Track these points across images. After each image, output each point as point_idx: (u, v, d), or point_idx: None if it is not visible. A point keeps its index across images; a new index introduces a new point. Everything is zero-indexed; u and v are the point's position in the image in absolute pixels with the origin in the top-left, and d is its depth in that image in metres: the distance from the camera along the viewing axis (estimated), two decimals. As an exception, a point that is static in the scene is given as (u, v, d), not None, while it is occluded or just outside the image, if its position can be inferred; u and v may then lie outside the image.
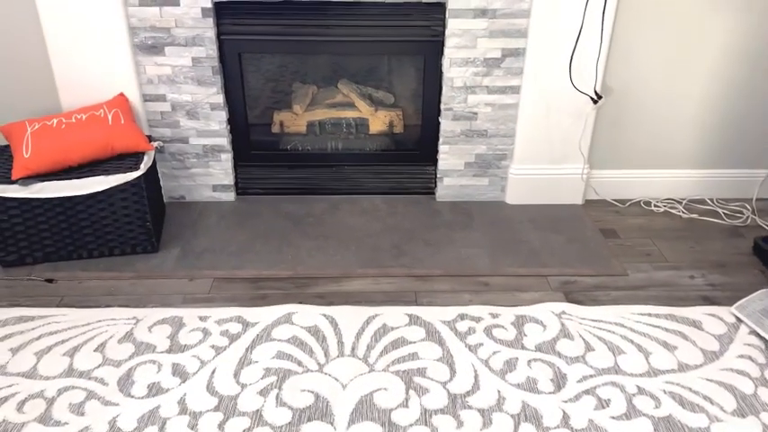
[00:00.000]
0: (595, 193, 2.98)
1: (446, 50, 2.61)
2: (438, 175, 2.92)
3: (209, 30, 2.52)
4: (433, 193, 3.01)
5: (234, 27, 2.58)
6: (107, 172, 2.32)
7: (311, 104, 3.06)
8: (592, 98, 2.65)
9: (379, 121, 3.05)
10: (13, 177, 2.23)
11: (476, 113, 2.75)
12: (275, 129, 3.04)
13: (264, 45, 2.64)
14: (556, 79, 2.64)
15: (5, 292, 2.26)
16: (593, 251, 2.58)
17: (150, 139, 2.61)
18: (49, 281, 2.32)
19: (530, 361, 1.96)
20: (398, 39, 2.62)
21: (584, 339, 2.05)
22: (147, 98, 2.66)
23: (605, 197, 2.99)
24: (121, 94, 2.59)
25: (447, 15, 2.55)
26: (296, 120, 3.02)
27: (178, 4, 2.46)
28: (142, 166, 2.36)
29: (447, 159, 2.87)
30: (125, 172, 2.32)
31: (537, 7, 2.50)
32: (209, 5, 2.47)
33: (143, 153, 2.45)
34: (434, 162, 2.94)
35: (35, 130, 2.32)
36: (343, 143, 3.02)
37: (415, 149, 2.95)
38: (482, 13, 2.52)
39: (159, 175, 2.81)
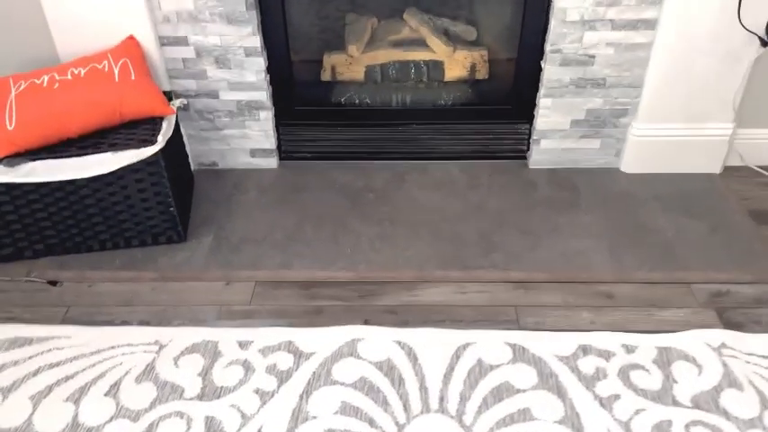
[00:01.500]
0: (741, 159, 2.33)
1: (560, -29, 1.94)
2: (534, 136, 2.32)
3: (239, -51, 1.92)
4: (525, 158, 2.42)
5: (272, -56, 1.96)
6: (115, 147, 1.82)
7: (370, 43, 2.45)
8: (762, 39, 1.96)
9: (457, 65, 2.42)
10: (-5, 157, 1.77)
11: (593, 56, 2.10)
12: (325, 76, 2.46)
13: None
14: (711, 11, 1.95)
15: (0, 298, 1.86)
16: (746, 245, 1.99)
17: (170, 97, 2.08)
18: (52, 283, 1.90)
19: (688, 425, 1.45)
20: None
21: (756, 389, 1.52)
22: (164, 41, 2.11)
23: (751, 164, 2.35)
24: (131, 38, 2.04)
25: None
26: (351, 64, 2.43)
27: None
28: (160, 137, 1.85)
29: (548, 116, 2.25)
30: (138, 146, 1.82)
31: None
32: None
33: (161, 118, 1.94)
34: (530, 119, 2.33)
35: (20, 91, 1.82)
36: (411, 94, 2.42)
37: (505, 103, 2.34)
38: None
39: (185, 138, 2.30)
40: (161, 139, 1.84)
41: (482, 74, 2.44)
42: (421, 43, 2.42)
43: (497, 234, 2.06)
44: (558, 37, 2.07)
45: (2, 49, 2.10)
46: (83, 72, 1.88)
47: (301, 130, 2.40)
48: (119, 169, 1.82)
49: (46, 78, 1.85)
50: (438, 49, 2.38)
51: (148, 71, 2.02)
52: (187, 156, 2.29)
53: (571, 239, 2.02)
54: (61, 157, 1.79)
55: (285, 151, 2.44)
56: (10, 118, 1.76)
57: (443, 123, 2.37)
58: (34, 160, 1.78)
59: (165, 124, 1.92)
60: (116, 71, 1.89)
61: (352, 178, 2.35)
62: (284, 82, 2.27)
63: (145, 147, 1.82)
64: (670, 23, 1.99)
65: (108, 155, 1.81)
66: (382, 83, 2.45)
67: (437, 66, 2.42)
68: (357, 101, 2.42)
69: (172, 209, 1.96)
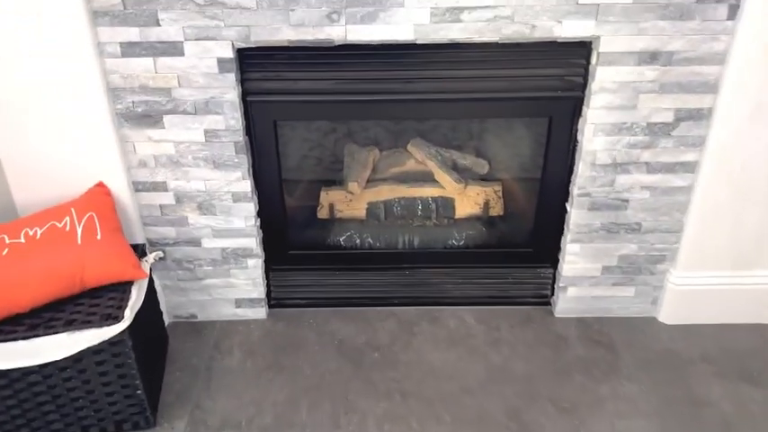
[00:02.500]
0: (792, 306, 2.10)
1: (589, 112, 1.76)
2: (560, 283, 2.07)
3: (229, 90, 1.71)
4: (549, 304, 2.16)
5: (266, 84, 1.76)
6: (72, 325, 1.52)
7: (372, 177, 2.24)
8: (819, 185, 1.79)
9: (469, 202, 2.21)
10: None
11: (626, 201, 1.90)
12: (323, 214, 2.23)
13: (312, 109, 1.82)
14: (758, 151, 1.78)
15: None
16: (821, 420, 1.72)
17: (143, 251, 1.81)
18: (-14, 496, 1.55)
19: None
20: (511, 94, 1.78)
21: None
22: (139, 187, 1.87)
23: (804, 311, 2.12)
24: (100, 185, 1.80)
25: (594, 60, 1.70)
26: (351, 201, 2.20)
27: (182, 53, 1.65)
28: (127, 311, 1.56)
29: (576, 263, 2.02)
30: (101, 324, 1.53)
31: (739, 48, 1.63)
32: (230, 54, 1.66)
33: (131, 283, 1.66)
34: (554, 263, 2.10)
35: (-39, 260, 1.54)
36: (419, 234, 2.19)
37: (525, 245, 2.11)
38: (651, 57, 1.67)
39: (159, 289, 2.02)
40: (128, 314, 1.56)
41: (496, 211, 2.22)
42: (428, 178, 2.22)
43: (529, 411, 1.76)
44: (587, 181, 1.87)
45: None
46: (39, 233, 1.61)
47: (295, 275, 2.13)
48: (77, 352, 1.52)
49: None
50: (448, 186, 2.18)
51: (119, 225, 1.76)
52: (160, 312, 2.00)
53: (618, 419, 1.73)
54: (5, 340, 1.49)
55: (275, 299, 2.16)
56: (-56, 295, 1.47)
57: (456, 267, 2.13)
58: (-29, 346, 1.47)
59: (134, 292, 1.64)
60: (79, 230, 1.63)
61: (353, 331, 2.07)
62: (276, 225, 2.03)
63: (109, 324, 1.53)
64: (712, 165, 1.81)
65: (63, 336, 1.51)
66: (386, 221, 2.22)
67: (447, 203, 2.21)
68: (358, 241, 2.18)
69: (139, 392, 1.65)
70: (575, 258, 2.01)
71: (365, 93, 1.77)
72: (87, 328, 1.52)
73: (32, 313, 1.56)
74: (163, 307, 2.05)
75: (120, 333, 1.54)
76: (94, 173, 1.79)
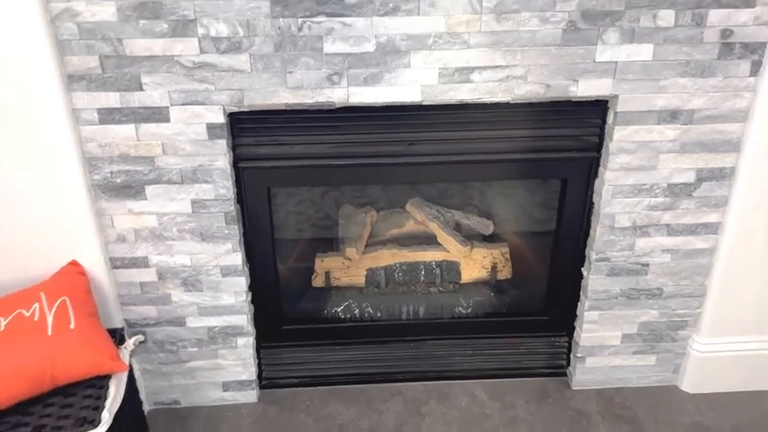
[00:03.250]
0: (820, 370, 2.01)
1: (607, 173, 1.67)
2: (578, 353, 1.95)
3: (219, 156, 1.58)
4: (565, 375, 2.03)
5: (260, 149, 1.64)
6: (42, 430, 1.34)
7: (370, 240, 2.11)
8: None
9: (475, 266, 2.09)
10: None
11: (646, 265, 1.80)
12: (318, 282, 2.08)
13: (309, 174, 1.69)
14: (784, 213, 1.71)
15: None
16: None
17: (122, 337, 1.64)
18: None
19: None
20: (523, 156, 1.69)
21: None
22: (117, 264, 1.70)
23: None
24: (73, 264, 1.63)
25: (610, 120, 1.62)
26: (349, 268, 2.07)
27: (167, 119, 1.52)
28: (105, 413, 1.38)
29: (595, 331, 1.90)
30: (78, 429, 1.34)
31: (762, 105, 1.57)
32: (221, 119, 1.53)
33: (108, 377, 1.48)
34: (569, 331, 1.98)
35: None
36: (424, 302, 2.05)
37: (538, 312, 1.99)
38: (672, 116, 1.59)
39: (138, 373, 1.83)
40: (106, 417, 1.38)
41: (504, 274, 2.10)
42: (430, 240, 2.10)
43: (557, 503, 1.61)
44: (606, 245, 1.77)
45: None
46: (3, 323, 1.43)
47: (288, 352, 1.97)
48: (45, 467, 1.33)
49: (-51, 339, 1.39)
50: (452, 248, 2.06)
51: (94, 309, 1.59)
52: (139, 401, 1.80)
53: None
54: (-39, 455, 1.30)
55: (267, 378, 1.99)
56: None
57: (464, 338, 1.99)
58: None
59: (113, 388, 1.46)
60: (50, 319, 1.46)
61: (355, 414, 1.90)
62: (269, 299, 1.87)
63: (84, 430, 1.34)
64: (736, 226, 1.73)
65: (30, 447, 1.32)
66: (387, 288, 2.08)
67: (451, 267, 2.08)
68: (357, 312, 2.03)
69: (118, 503, 1.45)
70: (593, 326, 1.90)
71: (367, 156, 1.66)
72: (58, 435, 1.34)
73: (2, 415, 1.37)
74: (142, 394, 1.86)
75: (96, 440, 1.36)
76: (68, 250, 1.63)
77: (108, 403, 1.41)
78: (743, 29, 1.49)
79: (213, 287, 1.76)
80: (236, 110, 1.54)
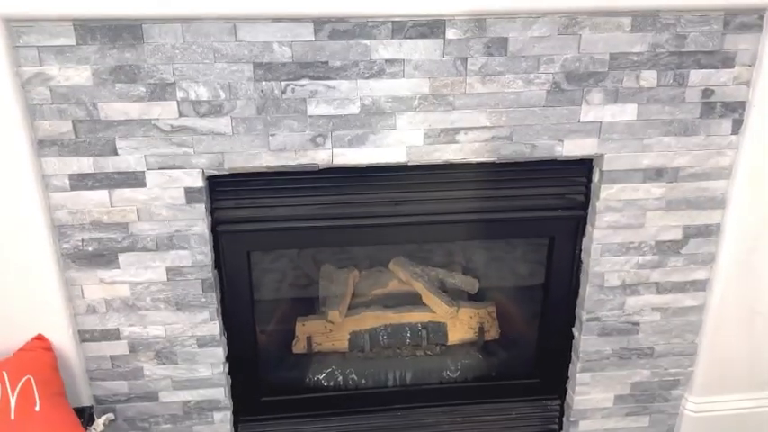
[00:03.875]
0: (814, 426, 1.99)
1: (595, 232, 1.66)
2: (571, 417, 1.89)
3: (197, 221, 1.52)
4: (558, 439, 1.98)
5: (239, 212, 1.59)
6: None
7: (353, 301, 2.05)
8: (839, 300, 1.72)
9: (462, 326, 2.05)
10: None
11: (637, 324, 1.78)
12: (299, 347, 2.00)
13: (291, 236, 1.65)
14: (770, 269, 1.72)
15: None
16: None
17: (91, 417, 1.53)
18: None
19: None
20: (510, 215, 1.68)
21: None
22: (86, 337, 1.61)
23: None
24: (39, 339, 1.54)
25: (597, 179, 1.63)
26: (332, 332, 2.00)
27: (143, 184, 1.47)
28: (72, 506, 1.27)
29: (588, 393, 1.86)
30: None
31: (744, 163, 1.59)
32: (200, 183, 1.49)
33: (75, 464, 1.37)
34: (561, 394, 1.93)
35: None
36: (410, 367, 1.99)
37: (529, 375, 1.94)
38: (657, 174, 1.60)
39: (106, 455, 1.72)
40: None
41: (492, 334, 2.06)
42: (415, 300, 2.05)
43: None
44: (596, 304, 1.74)
45: None
46: (-41, 408, 1.33)
47: (269, 425, 1.87)
48: None
49: None
50: (438, 309, 2.01)
51: (61, 388, 1.49)
52: (109, 486, 1.68)
53: None
54: None
55: (246, 454, 1.88)
56: None
57: (453, 404, 1.92)
58: None
59: (81, 475, 1.35)
60: (13, 402, 1.35)
61: (339, 490, 1.80)
62: (247, 369, 1.79)
63: None
64: (725, 283, 1.73)
65: None
66: (371, 352, 2.01)
67: (438, 328, 2.03)
68: (341, 379, 1.95)
69: None
70: (585, 389, 1.85)
71: (351, 217, 1.62)
72: None
73: None
74: (110, 476, 1.74)
75: None
76: (33, 323, 1.54)
77: (74, 494, 1.30)
78: (723, 88, 1.52)
79: (189, 359, 1.67)
80: (216, 173, 1.49)
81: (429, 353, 2.02)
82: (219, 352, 1.68)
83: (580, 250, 1.74)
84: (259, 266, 1.88)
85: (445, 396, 1.93)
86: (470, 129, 1.51)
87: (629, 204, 1.63)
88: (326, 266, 2.11)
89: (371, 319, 2.01)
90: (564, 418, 1.94)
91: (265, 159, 1.48)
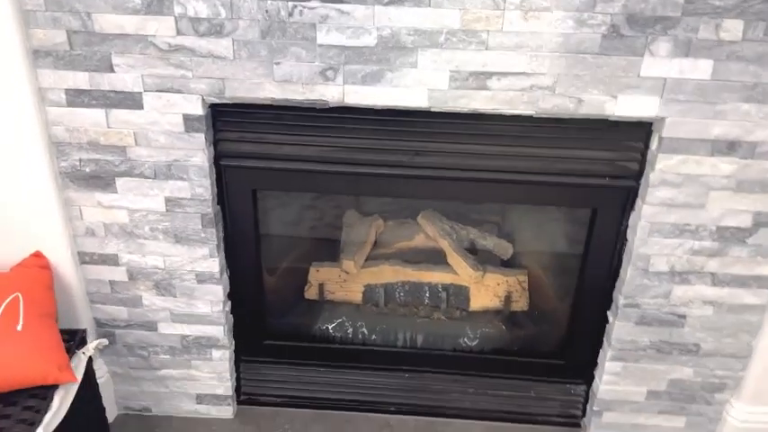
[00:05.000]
0: None
1: (644, 208, 1.43)
2: (594, 406, 1.72)
3: (197, 152, 1.42)
4: (579, 426, 1.81)
5: (244, 146, 1.47)
6: (-34, 446, 1.22)
7: (373, 252, 1.93)
8: None
9: (487, 293, 1.89)
10: None
11: (683, 316, 1.56)
12: (311, 294, 1.92)
13: (298, 179, 1.52)
14: None
15: None
16: None
17: (83, 338, 1.51)
18: None
19: None
20: (547, 178, 1.47)
21: None
22: (85, 259, 1.58)
23: None
24: (37, 256, 1.51)
25: (654, 145, 1.38)
26: (346, 282, 1.89)
27: (140, 107, 1.37)
28: (40, 429, 1.25)
29: (616, 384, 1.67)
30: (3, 446, 1.22)
31: None
32: (200, 111, 1.37)
33: (54, 388, 1.35)
34: (588, 381, 1.75)
35: None
36: (425, 330, 1.86)
37: (555, 356, 1.77)
38: (729, 147, 1.34)
39: (106, 376, 1.72)
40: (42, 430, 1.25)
41: (520, 305, 1.89)
42: (440, 259, 1.90)
43: None
44: (637, 289, 1.53)
45: None
46: (-55, 318, 1.33)
47: (270, 369, 1.82)
48: (-35, 485, 1.22)
49: None
50: (462, 271, 1.85)
51: (52, 308, 1.47)
52: (102, 409, 1.68)
53: None
54: None
55: (246, 393, 1.85)
56: None
57: (467, 374, 1.80)
58: None
59: (56, 400, 1.34)
60: (-5, 317, 1.34)
61: (335, 445, 1.74)
62: (251, 310, 1.72)
63: (12, 449, 1.22)
64: (797, 285, 1.47)
65: (-48, 461, 1.21)
66: (386, 308, 1.90)
67: (460, 292, 1.88)
68: (350, 332, 1.86)
69: None
70: (614, 378, 1.67)
71: (364, 164, 1.47)
72: (-17, 451, 1.22)
73: None
74: (110, 398, 1.75)
75: (25, 461, 1.23)
76: (32, 241, 1.51)
77: (47, 418, 1.29)
78: (828, 49, 1.23)
79: (187, 293, 1.61)
80: (216, 101, 1.37)
81: (447, 317, 1.88)
82: (219, 290, 1.61)
83: (626, 227, 1.52)
84: (272, 205, 1.78)
85: (459, 364, 1.80)
86: (505, 74, 1.30)
87: (690, 180, 1.39)
88: (350, 212, 1.99)
89: (390, 274, 1.88)
90: (588, 406, 1.77)
91: (269, 90, 1.34)
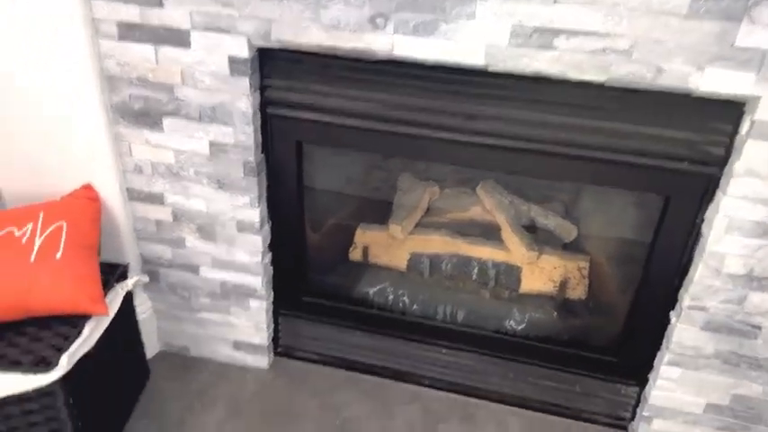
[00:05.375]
0: None
1: (724, 200, 1.25)
2: (645, 411, 1.57)
3: (241, 97, 1.38)
4: (625, 429, 1.67)
5: (292, 95, 1.41)
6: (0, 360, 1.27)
7: (424, 219, 1.84)
8: None
9: (541, 276, 1.75)
10: None
11: (758, 327, 1.37)
12: (355, 255, 1.86)
13: (344, 134, 1.44)
14: None
15: None
16: None
17: (122, 275, 1.53)
18: None
19: None
20: (615, 156, 1.31)
21: None
22: (134, 195, 1.59)
23: None
24: (87, 188, 1.54)
25: (744, 130, 1.19)
26: (392, 247, 1.82)
27: (187, 44, 1.34)
28: (65, 357, 1.28)
29: (671, 390, 1.52)
30: (29, 370, 1.26)
31: None
32: (245, 53, 1.32)
33: (86, 318, 1.38)
34: (641, 383, 1.60)
35: None
36: (468, 306, 1.76)
37: (608, 351, 1.62)
38: (839, 136, 1.13)
39: (149, 312, 1.75)
40: (65, 361, 1.27)
41: (577, 294, 1.75)
42: (494, 234, 1.78)
43: None
44: (706, 291, 1.36)
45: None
46: (-6, 238, 1.37)
47: (307, 325, 1.79)
48: (-5, 398, 1.27)
49: (-64, 244, 1.35)
50: (515, 250, 1.73)
51: (94, 241, 1.49)
52: (140, 344, 1.71)
53: None
54: None
55: (283, 346, 1.84)
56: None
57: (508, 358, 1.68)
58: None
59: (87, 330, 1.36)
60: (37, 244, 1.37)
61: (364, 411, 1.69)
62: (291, 264, 1.68)
63: (37, 372, 1.26)
64: None
65: (-15, 374, 1.26)
66: (430, 279, 1.81)
67: (511, 272, 1.76)
68: (391, 298, 1.79)
69: (73, 453, 1.38)
70: (670, 384, 1.51)
71: (412, 124, 1.37)
72: (14, 370, 1.26)
73: (-35, 335, 1.32)
74: (152, 334, 1.78)
75: (50, 384, 1.26)
76: (83, 173, 1.53)
77: (73, 347, 1.31)
78: None
79: (228, 241, 1.60)
80: (263, 44, 1.31)
81: (494, 296, 1.77)
82: (259, 240, 1.58)
83: (702, 220, 1.34)
84: (323, 159, 1.72)
85: (501, 347, 1.69)
86: (575, 33, 1.15)
87: (785, 172, 1.19)
88: (406, 175, 1.90)
89: (438, 244, 1.79)
90: (638, 410, 1.62)
91: (316, 35, 1.26)
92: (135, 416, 1.65)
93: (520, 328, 1.72)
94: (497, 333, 1.70)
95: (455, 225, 1.82)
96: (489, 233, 1.78)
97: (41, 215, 1.43)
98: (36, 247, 1.37)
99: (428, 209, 1.85)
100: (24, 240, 1.38)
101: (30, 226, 1.41)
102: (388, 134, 1.40)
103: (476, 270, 1.78)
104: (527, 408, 1.71)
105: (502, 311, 1.74)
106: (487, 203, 1.79)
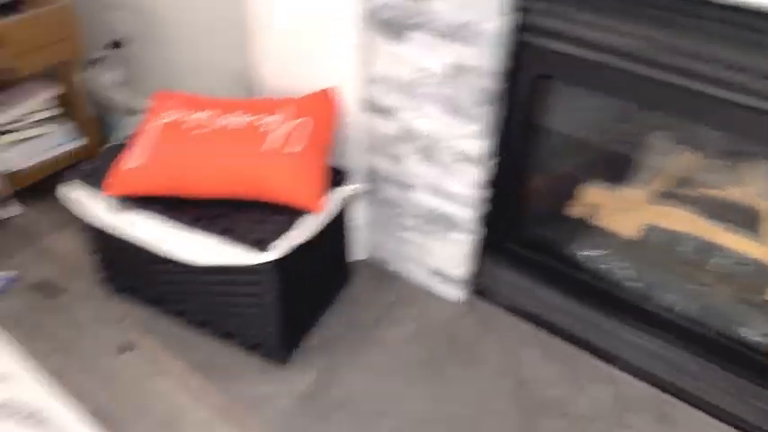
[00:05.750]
0: None
1: None
2: None
3: (491, 16, 1.26)
4: None
5: (549, 21, 1.25)
6: (227, 235, 1.40)
7: (671, 190, 1.59)
8: None
9: (804, 287, 1.42)
10: (105, 192, 1.50)
11: None
12: (577, 212, 1.69)
13: (601, 74, 1.25)
14: None
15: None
16: None
17: (342, 178, 1.58)
18: (122, 350, 1.62)
19: None
20: None
21: None
22: (366, 106, 1.60)
23: None
24: (330, 91, 1.58)
25: None
26: (624, 212, 1.61)
27: (450, -46, 1.25)
28: (276, 244, 1.37)
29: None
30: (248, 246, 1.37)
31: None
32: (507, -32, 1.19)
33: (302, 213, 1.45)
34: None
35: (165, 123, 1.51)
36: (697, 298, 1.51)
37: None
38: None
39: (360, 221, 1.81)
40: (277, 248, 1.36)
41: None
42: (750, 222, 1.47)
43: None
44: None
45: (200, 56, 1.84)
46: (243, 122, 1.47)
47: (509, 272, 1.70)
48: (217, 265, 1.41)
49: (195, 118, 1.49)
50: (779, 248, 1.42)
51: (327, 143, 1.53)
52: (346, 248, 1.77)
53: None
54: (172, 217, 1.45)
55: (480, 285, 1.78)
56: (141, 152, 1.47)
57: (734, 371, 1.43)
58: (146, 209, 1.46)
59: (303, 223, 1.43)
60: (284, 133, 1.45)
61: (548, 374, 1.59)
62: (506, 205, 1.59)
63: (254, 251, 1.36)
64: None
65: (213, 240, 1.40)
66: (662, 258, 1.58)
67: (763, 272, 1.45)
68: (608, 268, 1.60)
69: (276, 328, 1.50)
70: None
71: (688, 74, 1.14)
72: (236, 243, 1.38)
73: (206, 203, 1.47)
74: (358, 242, 1.84)
75: (263, 264, 1.37)
76: (326, 76, 1.57)
77: (289, 236, 1.39)
78: None
79: (445, 167, 1.55)
80: (528, -40, 1.17)
81: (734, 295, 1.49)
82: (474, 173, 1.50)
83: None
84: (570, 100, 1.55)
85: (729, 357, 1.43)
86: None
87: None
88: (658, 134, 1.64)
89: (679, 220, 1.54)
90: None
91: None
92: (329, 312, 1.74)
93: (759, 340, 1.43)
94: (727, 338, 1.44)
95: (705, 202, 1.54)
96: (744, 221, 1.48)
97: (294, 108, 1.51)
98: (283, 137, 1.44)
99: (678, 178, 1.59)
100: (267, 130, 1.46)
101: (279, 117, 1.49)
102: (654, 82, 1.19)
103: (718, 260, 1.50)
104: (739, 428, 1.45)
105: (740, 315, 1.46)
106: (753, 186, 1.48)
